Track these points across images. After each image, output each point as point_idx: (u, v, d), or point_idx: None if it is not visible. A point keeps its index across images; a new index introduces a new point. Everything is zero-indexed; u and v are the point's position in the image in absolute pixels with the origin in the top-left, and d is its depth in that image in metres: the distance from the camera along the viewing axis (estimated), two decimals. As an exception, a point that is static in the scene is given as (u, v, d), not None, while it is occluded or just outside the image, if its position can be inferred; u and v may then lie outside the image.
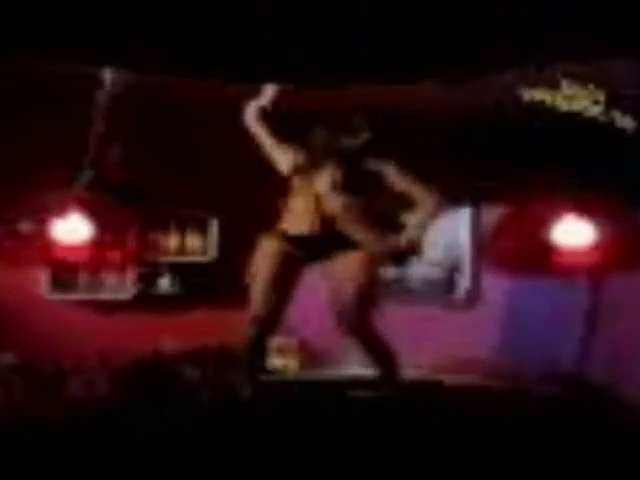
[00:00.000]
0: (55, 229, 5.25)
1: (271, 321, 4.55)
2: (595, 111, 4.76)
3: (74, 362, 5.71)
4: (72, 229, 5.25)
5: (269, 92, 4.66)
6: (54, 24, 3.56)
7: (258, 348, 4.61)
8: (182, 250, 6.34)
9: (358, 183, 4.53)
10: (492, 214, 5.82)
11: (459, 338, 6.02)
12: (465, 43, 3.75)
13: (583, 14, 3.66)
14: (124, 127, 5.28)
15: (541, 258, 5.20)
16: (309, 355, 6.15)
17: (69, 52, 3.75)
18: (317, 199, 4.52)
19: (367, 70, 3.81)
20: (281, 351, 5.93)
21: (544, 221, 5.16)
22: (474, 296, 6.26)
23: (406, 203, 4.58)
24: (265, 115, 4.69)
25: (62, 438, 3.84)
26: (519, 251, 5.22)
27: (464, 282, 6.28)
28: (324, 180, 4.54)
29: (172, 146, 5.90)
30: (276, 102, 4.69)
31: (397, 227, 4.59)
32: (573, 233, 5.21)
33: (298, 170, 4.58)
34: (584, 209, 5.11)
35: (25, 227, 5.23)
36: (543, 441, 3.86)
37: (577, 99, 4.73)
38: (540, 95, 4.64)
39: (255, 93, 4.69)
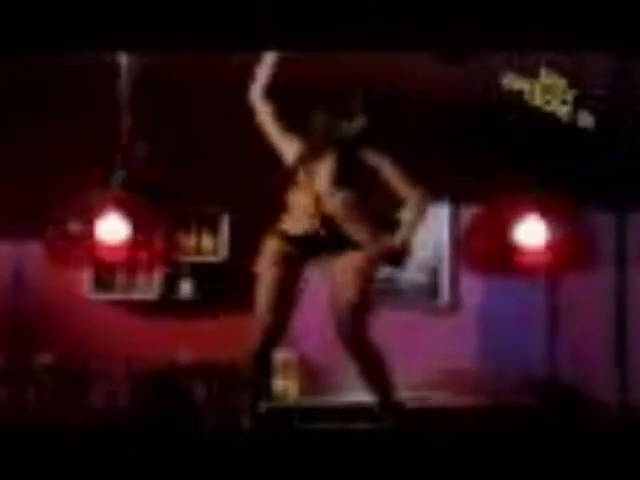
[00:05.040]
0: (98, 229, 5.33)
1: (277, 330, 4.57)
2: (563, 111, 4.79)
3: (102, 365, 6.09)
4: (112, 229, 5.36)
5: (269, 62, 4.64)
6: (60, 15, 3.69)
7: (263, 363, 4.62)
8: (199, 249, 6.41)
9: (356, 177, 4.58)
10: (467, 212, 6.02)
11: (445, 348, 6.23)
12: (463, 16, 3.86)
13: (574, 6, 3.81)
14: (146, 119, 5.34)
15: (507, 258, 5.28)
16: (309, 375, 6.19)
17: (81, 41, 3.83)
18: (317, 198, 4.57)
19: (368, 35, 3.85)
20: (282, 371, 6.03)
21: (508, 221, 5.24)
22: (455, 301, 6.44)
23: (398, 200, 4.63)
24: (270, 93, 4.69)
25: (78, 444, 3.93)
26: (489, 252, 5.32)
27: (445, 287, 6.42)
28: (324, 174, 4.59)
29: (190, 138, 6.08)
30: (277, 76, 4.66)
31: (391, 225, 4.63)
32: (533, 233, 5.31)
33: (302, 160, 4.62)
34: (539, 209, 5.21)
35: (74, 227, 5.30)
36: (535, 452, 3.93)
37: (553, 91, 4.76)
38: (519, 84, 4.72)
39: (257, 63, 4.69)
